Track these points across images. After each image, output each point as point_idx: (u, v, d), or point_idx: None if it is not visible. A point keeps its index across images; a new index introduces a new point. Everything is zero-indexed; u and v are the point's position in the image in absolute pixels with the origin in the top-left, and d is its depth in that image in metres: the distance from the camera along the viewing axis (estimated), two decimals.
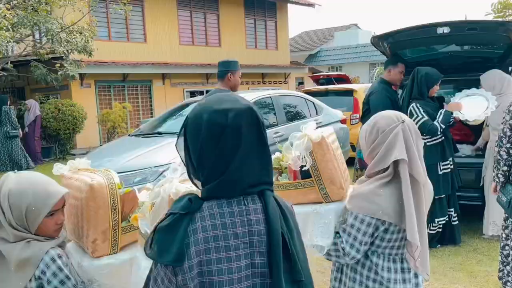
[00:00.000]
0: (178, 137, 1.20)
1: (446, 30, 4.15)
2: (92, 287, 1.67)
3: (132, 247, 1.83)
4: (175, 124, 6.25)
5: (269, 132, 5.99)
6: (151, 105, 15.30)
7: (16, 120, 10.31)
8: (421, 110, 3.94)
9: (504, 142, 3.14)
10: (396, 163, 1.69)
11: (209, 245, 1.07)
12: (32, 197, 1.54)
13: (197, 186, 1.17)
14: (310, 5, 20.08)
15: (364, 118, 4.49)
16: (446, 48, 4.77)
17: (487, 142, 4.48)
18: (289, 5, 19.80)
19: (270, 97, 6.39)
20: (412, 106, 4.01)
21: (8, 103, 10.50)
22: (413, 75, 3.98)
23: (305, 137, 1.84)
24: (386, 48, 4.77)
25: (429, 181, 1.79)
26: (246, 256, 1.09)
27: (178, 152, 1.21)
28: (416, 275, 1.79)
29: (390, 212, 1.66)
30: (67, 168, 1.96)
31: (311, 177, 1.86)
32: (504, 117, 3.17)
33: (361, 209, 1.70)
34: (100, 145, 13.20)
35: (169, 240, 1.05)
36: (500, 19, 7.00)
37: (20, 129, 10.37)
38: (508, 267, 3.30)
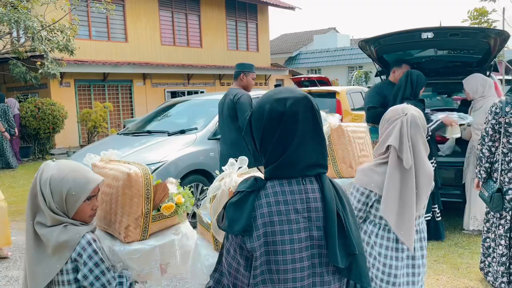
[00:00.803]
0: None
1: (430, 35, 4.35)
2: (122, 271, 1.76)
3: (160, 234, 1.93)
4: (164, 123, 6.32)
5: None
6: (131, 105, 15.20)
7: (13, 118, 10.31)
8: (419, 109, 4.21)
9: (486, 140, 3.35)
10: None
11: (273, 218, 1.19)
12: (72, 182, 1.64)
13: (261, 171, 1.30)
14: (291, 8, 20.32)
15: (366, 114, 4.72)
16: (429, 53, 5.00)
17: (467, 142, 4.72)
18: (270, 7, 20.00)
19: (258, 97, 6.50)
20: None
21: (5, 100, 10.46)
22: (407, 77, 4.17)
23: (327, 124, 2.39)
24: (373, 51, 4.97)
25: (429, 166, 2.06)
26: (305, 229, 1.20)
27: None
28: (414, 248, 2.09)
29: (381, 185, 2.00)
30: (99, 158, 2.04)
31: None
32: (486, 117, 3.39)
33: (358, 181, 2.07)
34: (80, 145, 13.05)
35: (238, 213, 1.19)
36: (480, 26, 7.34)
37: (16, 128, 10.37)
38: (489, 258, 3.51)
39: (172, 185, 1.98)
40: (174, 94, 16.04)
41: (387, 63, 5.22)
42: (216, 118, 5.70)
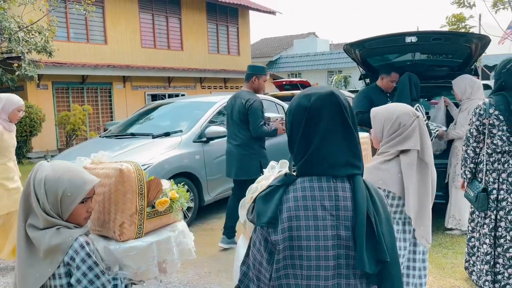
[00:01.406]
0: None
1: (413, 39, 4.44)
2: (117, 272, 1.71)
3: (156, 232, 1.90)
4: (147, 125, 6.24)
5: None
6: (111, 108, 14.97)
7: None
8: (424, 112, 4.34)
9: (471, 141, 3.42)
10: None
11: (299, 212, 1.17)
12: (68, 183, 1.58)
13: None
14: (272, 12, 20.43)
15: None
16: (411, 56, 5.09)
17: (451, 142, 4.81)
18: (250, 11, 20.06)
19: None
20: (418, 107, 4.33)
21: None
22: (409, 79, 4.25)
23: None
24: (357, 55, 5.02)
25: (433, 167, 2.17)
26: (332, 227, 1.17)
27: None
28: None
29: (389, 182, 2.03)
30: (89, 161, 1.99)
31: None
32: (470, 119, 3.46)
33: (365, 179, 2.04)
34: (58, 148, 12.76)
35: (266, 206, 1.20)
36: (462, 31, 7.53)
37: None
38: (473, 258, 3.58)
39: (166, 182, 1.95)
40: (154, 97, 15.88)
41: (371, 67, 5.29)
42: (201, 120, 5.70)
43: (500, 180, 3.31)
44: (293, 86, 13.84)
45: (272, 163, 1.88)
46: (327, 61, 24.85)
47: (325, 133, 1.20)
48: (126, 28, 15.35)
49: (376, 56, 5.07)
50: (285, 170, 1.91)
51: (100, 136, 6.53)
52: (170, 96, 16.27)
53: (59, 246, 1.55)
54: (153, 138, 5.44)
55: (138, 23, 15.80)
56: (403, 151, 2.08)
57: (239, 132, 4.47)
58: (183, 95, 16.85)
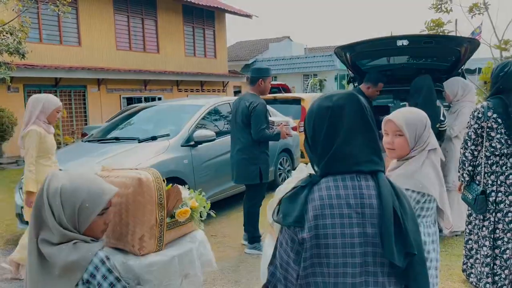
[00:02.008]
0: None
1: (405, 42, 4.46)
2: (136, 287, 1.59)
3: (176, 243, 1.78)
4: (131, 129, 6.05)
5: (229, 138, 5.99)
6: (85, 112, 14.54)
7: None
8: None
9: (469, 144, 3.44)
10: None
11: (324, 211, 1.18)
12: (86, 194, 1.46)
13: (315, 171, 1.30)
14: (248, 15, 20.40)
15: None
16: (401, 60, 5.12)
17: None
18: (227, 14, 19.97)
19: (229, 103, 6.40)
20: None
21: None
22: (429, 83, 4.26)
23: None
24: (348, 58, 5.02)
25: None
26: (358, 225, 1.18)
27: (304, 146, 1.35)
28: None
29: (429, 186, 2.01)
30: (99, 168, 1.85)
31: None
32: (469, 122, 3.48)
33: (412, 186, 2.02)
34: None
35: (291, 206, 1.21)
36: (453, 35, 7.66)
37: None
38: (471, 260, 3.60)
39: (184, 190, 1.84)
40: (130, 100, 15.54)
41: (360, 70, 5.30)
42: (189, 124, 5.56)
43: (498, 182, 3.34)
44: (273, 89, 13.81)
45: (300, 165, 1.85)
46: (302, 65, 25.01)
47: (348, 131, 1.22)
48: (101, 29, 14.97)
49: (366, 59, 5.07)
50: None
51: (82, 141, 6.28)
52: (146, 99, 15.96)
53: (78, 262, 1.42)
54: (139, 142, 5.27)
55: (113, 24, 15.45)
56: (429, 151, 2.11)
57: (242, 136, 4.41)
58: (159, 98, 16.57)
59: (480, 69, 10.78)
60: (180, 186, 1.95)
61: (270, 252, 1.80)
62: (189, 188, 2.09)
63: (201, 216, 1.94)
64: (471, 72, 13.78)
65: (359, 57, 5.02)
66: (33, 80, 12.70)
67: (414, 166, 2.04)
